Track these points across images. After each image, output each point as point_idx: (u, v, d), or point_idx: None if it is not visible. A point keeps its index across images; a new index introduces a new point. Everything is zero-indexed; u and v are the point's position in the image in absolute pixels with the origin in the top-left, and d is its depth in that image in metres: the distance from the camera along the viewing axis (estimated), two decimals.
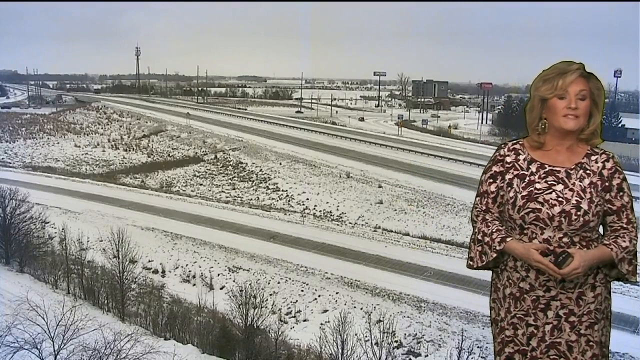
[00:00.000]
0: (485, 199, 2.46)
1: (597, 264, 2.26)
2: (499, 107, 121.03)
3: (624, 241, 2.26)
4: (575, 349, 2.28)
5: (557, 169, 2.31)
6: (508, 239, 2.32)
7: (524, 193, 2.30)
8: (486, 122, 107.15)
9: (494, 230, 2.37)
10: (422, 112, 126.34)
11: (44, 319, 20.33)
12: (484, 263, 2.41)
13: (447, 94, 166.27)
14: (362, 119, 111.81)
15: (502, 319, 2.41)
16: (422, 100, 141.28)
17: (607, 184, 2.29)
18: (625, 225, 2.30)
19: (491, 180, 2.44)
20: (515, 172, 2.37)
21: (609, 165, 2.30)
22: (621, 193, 2.29)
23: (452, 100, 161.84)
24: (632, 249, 2.26)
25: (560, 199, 2.25)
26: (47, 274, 33.43)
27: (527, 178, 2.33)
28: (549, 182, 2.29)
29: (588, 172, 2.29)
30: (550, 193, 2.26)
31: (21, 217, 37.21)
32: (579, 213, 2.22)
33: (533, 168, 2.35)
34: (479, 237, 2.41)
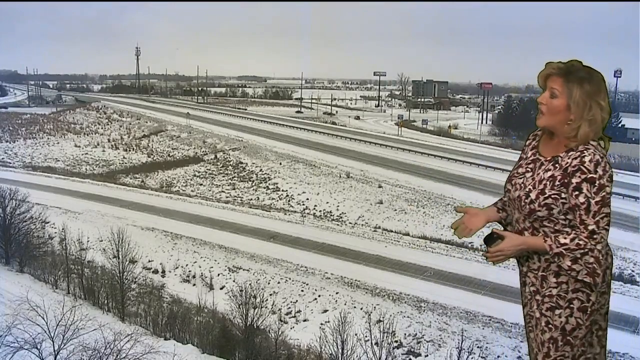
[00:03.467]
0: None
1: (527, 250, 2.37)
2: (499, 107, 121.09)
3: (565, 238, 2.26)
4: (538, 326, 2.40)
5: (540, 158, 2.44)
6: (490, 205, 2.63)
7: (510, 174, 2.52)
8: (486, 122, 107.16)
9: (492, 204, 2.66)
10: (422, 112, 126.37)
11: (44, 319, 20.34)
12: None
13: (447, 94, 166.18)
14: (357, 118, 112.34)
15: None
16: (422, 100, 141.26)
17: (566, 180, 2.30)
18: (578, 225, 2.29)
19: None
20: (521, 155, 2.57)
21: (575, 162, 2.29)
22: (577, 192, 2.27)
23: (452, 100, 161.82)
24: (574, 248, 2.23)
25: (522, 184, 2.42)
26: (47, 274, 33.44)
27: (520, 161, 2.52)
28: (526, 169, 2.46)
29: (556, 165, 2.34)
30: (521, 178, 2.45)
31: (21, 217, 37.22)
32: (526, 200, 2.37)
33: (529, 153, 2.51)
34: None
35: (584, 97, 2.30)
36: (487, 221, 2.56)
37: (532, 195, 2.35)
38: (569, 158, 2.32)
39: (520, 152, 2.62)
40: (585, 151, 2.29)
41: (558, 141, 2.40)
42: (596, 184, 2.24)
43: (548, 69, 2.37)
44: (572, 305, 2.33)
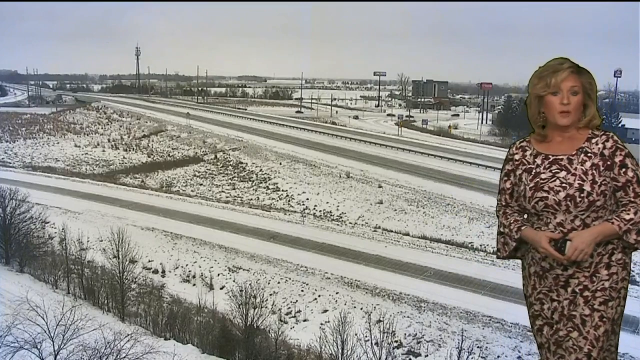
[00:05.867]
0: (504, 196, 2.67)
1: (602, 239, 2.37)
2: (499, 107, 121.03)
3: (628, 214, 2.35)
4: (589, 323, 2.42)
5: (560, 157, 2.46)
6: (523, 227, 2.53)
7: (531, 184, 2.48)
8: (486, 122, 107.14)
9: (512, 222, 2.58)
10: (422, 112, 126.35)
11: (44, 319, 20.33)
12: (508, 252, 2.63)
13: (447, 94, 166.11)
14: (356, 117, 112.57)
15: (530, 294, 2.59)
16: (422, 100, 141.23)
17: (609, 162, 2.40)
18: (633, 199, 2.38)
19: (506, 178, 2.65)
20: (523, 167, 2.55)
21: (609, 144, 2.42)
22: (624, 169, 2.39)
23: (452, 100, 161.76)
24: (639, 221, 2.34)
25: (564, 184, 2.39)
26: (47, 274, 33.44)
27: (534, 170, 2.50)
28: (553, 171, 2.44)
29: (589, 154, 2.42)
30: (555, 180, 2.42)
31: (21, 217, 37.22)
32: (582, 195, 2.36)
33: (538, 160, 2.51)
34: (501, 229, 2.65)
35: (594, 84, 2.47)
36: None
37: (587, 188, 2.36)
38: (597, 144, 2.43)
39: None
40: (608, 133, 2.45)
41: (570, 135, 2.48)
42: (634, 157, 2.40)
43: (566, 71, 2.43)
44: (620, 295, 2.44)
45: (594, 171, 2.38)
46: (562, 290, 2.46)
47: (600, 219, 2.39)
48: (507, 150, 2.70)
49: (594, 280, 2.40)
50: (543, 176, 2.45)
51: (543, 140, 2.54)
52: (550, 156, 2.48)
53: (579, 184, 2.37)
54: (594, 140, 2.43)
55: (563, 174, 2.41)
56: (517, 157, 2.59)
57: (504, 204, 2.66)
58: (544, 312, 2.52)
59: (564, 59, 2.48)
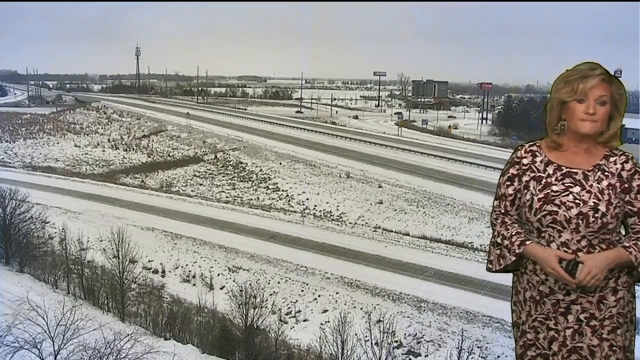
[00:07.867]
0: (504, 202, 2.42)
1: (615, 266, 2.20)
2: (499, 107, 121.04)
3: None
4: (598, 353, 2.24)
5: (575, 170, 2.26)
6: (527, 242, 2.28)
7: (541, 195, 2.25)
8: (486, 122, 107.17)
9: (513, 234, 2.33)
10: (422, 112, 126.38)
11: (44, 319, 20.34)
12: (502, 266, 2.37)
13: (447, 94, 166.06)
14: (356, 117, 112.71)
15: (524, 322, 2.37)
16: (422, 100, 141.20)
17: (626, 185, 2.24)
18: None
19: (509, 183, 2.40)
20: (532, 175, 2.32)
21: (628, 166, 2.26)
22: None
23: (452, 100, 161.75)
24: None
25: (577, 201, 2.20)
26: (47, 274, 33.45)
27: (544, 180, 2.28)
28: (566, 184, 2.24)
29: (606, 173, 2.25)
30: (567, 195, 2.21)
31: (21, 217, 37.22)
32: (596, 215, 2.17)
33: (550, 170, 2.30)
34: (499, 240, 2.37)
35: (625, 96, 2.30)
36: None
37: (602, 208, 2.17)
38: (615, 163, 2.27)
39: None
40: (627, 154, 2.29)
41: (587, 148, 2.30)
42: None
43: (596, 79, 2.23)
44: (627, 320, 2.28)
45: (610, 191, 2.20)
46: (561, 317, 2.26)
47: (606, 242, 2.21)
48: (513, 152, 2.46)
49: (602, 308, 2.22)
50: (555, 188, 2.23)
51: (557, 149, 2.34)
52: (563, 167, 2.28)
53: (594, 202, 2.18)
54: (612, 159, 2.27)
55: (577, 189, 2.21)
56: (525, 161, 2.35)
57: (502, 211, 2.41)
58: (539, 342, 2.31)
59: (595, 64, 2.26)
